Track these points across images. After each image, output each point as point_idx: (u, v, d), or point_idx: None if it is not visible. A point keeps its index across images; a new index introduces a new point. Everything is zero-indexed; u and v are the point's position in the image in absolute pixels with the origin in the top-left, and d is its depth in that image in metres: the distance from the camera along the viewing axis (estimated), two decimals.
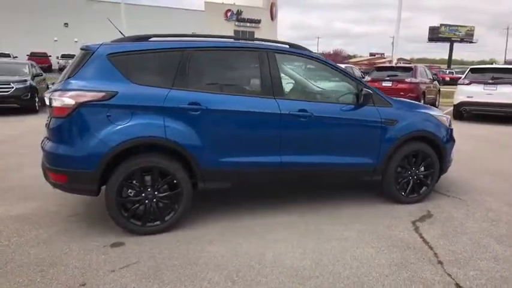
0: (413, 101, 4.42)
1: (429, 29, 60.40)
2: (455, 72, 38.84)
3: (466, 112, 10.91)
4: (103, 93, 3.14)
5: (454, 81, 25.53)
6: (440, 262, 2.94)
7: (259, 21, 48.93)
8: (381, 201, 4.21)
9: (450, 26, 59.52)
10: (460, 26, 59.85)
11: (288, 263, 2.91)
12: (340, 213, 3.89)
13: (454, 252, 3.11)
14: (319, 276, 2.72)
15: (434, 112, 4.42)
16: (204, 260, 2.92)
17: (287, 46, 3.85)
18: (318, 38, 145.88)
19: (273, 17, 51.38)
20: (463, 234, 3.45)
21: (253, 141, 3.55)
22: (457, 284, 2.65)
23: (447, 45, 60.73)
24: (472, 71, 11.15)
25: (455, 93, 11.38)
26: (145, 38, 3.49)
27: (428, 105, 4.48)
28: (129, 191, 3.27)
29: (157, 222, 3.33)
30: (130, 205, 3.28)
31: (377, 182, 4.10)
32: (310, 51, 3.96)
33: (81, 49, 3.44)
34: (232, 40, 3.70)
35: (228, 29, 45.65)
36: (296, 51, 3.85)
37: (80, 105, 3.09)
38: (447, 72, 40.58)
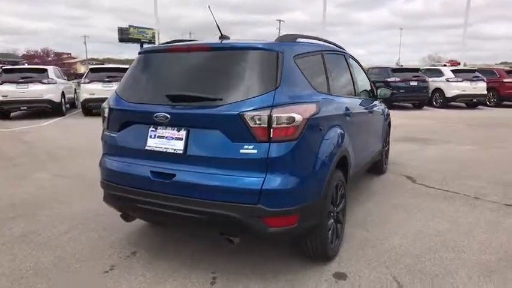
0: None
1: (118, 30, 62.15)
2: None
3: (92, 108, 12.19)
4: (314, 105, 2.60)
5: None
6: (477, 198, 4.43)
7: None
8: (373, 176, 5.27)
9: (139, 28, 63.54)
10: (147, 28, 64.83)
11: (447, 233, 3.50)
12: (380, 191, 4.70)
13: (472, 191, 4.64)
14: (481, 240, 3.49)
15: None
16: (416, 252, 3.10)
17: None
18: None
19: None
20: (449, 183, 5.02)
21: (364, 137, 3.84)
22: (506, 204, 4.21)
23: (138, 46, 64.64)
24: (91, 70, 12.98)
25: (80, 92, 12.65)
26: (294, 38, 2.96)
27: None
28: None
29: (338, 240, 3.08)
30: (331, 228, 2.88)
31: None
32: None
33: (243, 48, 2.58)
34: (329, 44, 3.70)
35: None
36: (348, 53, 4.24)
37: (306, 122, 2.44)
38: None
